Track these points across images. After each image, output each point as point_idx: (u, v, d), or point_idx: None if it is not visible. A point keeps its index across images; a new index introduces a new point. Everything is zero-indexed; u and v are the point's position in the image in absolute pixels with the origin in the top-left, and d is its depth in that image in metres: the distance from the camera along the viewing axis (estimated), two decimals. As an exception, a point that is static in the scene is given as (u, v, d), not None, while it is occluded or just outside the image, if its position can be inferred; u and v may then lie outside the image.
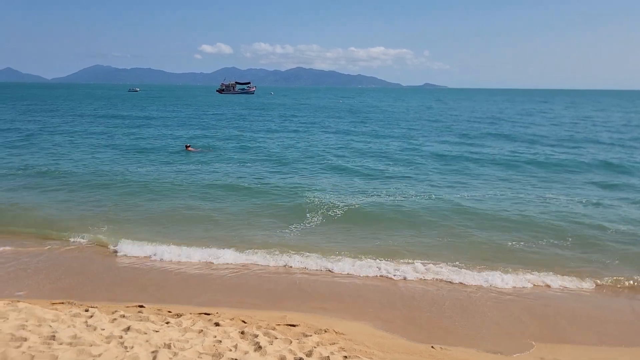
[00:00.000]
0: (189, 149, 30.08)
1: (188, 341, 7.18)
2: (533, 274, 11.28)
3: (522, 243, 13.46)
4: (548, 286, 10.86)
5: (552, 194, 19.27)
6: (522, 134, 42.28)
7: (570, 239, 13.72)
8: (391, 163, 26.69)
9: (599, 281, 11.08)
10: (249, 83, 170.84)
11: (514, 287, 10.75)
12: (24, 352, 6.51)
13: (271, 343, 7.33)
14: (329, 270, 11.56)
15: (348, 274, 11.41)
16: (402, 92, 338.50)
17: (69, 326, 7.63)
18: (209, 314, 8.77)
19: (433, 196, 18.57)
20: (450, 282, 10.98)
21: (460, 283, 10.90)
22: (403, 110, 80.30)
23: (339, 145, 33.88)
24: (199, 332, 7.64)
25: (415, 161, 27.53)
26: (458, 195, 18.77)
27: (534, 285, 10.89)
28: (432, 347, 8.05)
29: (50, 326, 7.59)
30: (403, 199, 18.17)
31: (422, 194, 18.88)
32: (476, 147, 33.67)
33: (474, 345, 8.26)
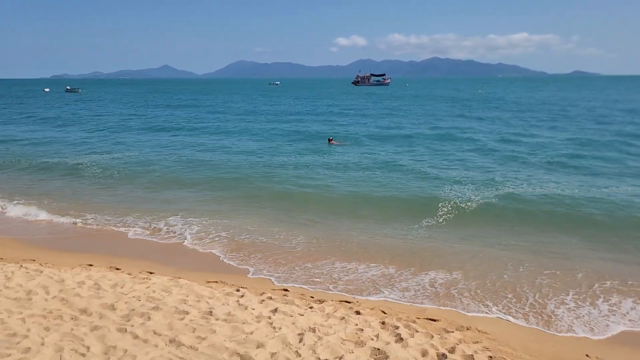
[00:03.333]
0: (332, 142, 30.72)
1: (331, 327, 7.41)
2: None
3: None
4: None
5: None
6: None
7: None
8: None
9: None
10: (383, 75, 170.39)
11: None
12: (186, 325, 7.19)
13: (412, 336, 7.29)
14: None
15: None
16: (548, 80, 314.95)
17: (223, 304, 8.26)
18: (349, 302, 8.96)
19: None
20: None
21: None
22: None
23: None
24: (341, 319, 7.84)
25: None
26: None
27: None
28: (587, 355, 7.48)
29: (207, 302, 8.27)
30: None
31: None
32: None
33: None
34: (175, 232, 13.74)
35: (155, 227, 14.15)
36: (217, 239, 13.21)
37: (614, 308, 9.17)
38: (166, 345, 6.52)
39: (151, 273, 10.21)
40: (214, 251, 12.34)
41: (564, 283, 10.22)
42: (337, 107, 66.37)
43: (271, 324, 7.39)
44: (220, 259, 11.89)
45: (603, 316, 8.86)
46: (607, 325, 8.54)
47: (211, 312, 7.78)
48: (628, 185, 18.15)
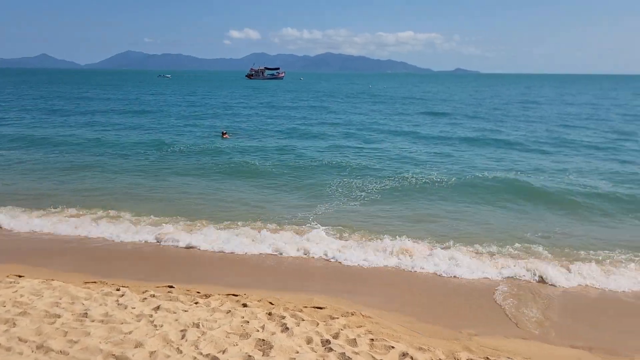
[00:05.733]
0: (225, 135, 30.35)
1: (216, 321, 7.26)
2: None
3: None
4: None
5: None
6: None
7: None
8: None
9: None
10: (278, 69, 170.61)
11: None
12: (57, 328, 6.70)
13: (298, 325, 7.35)
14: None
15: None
16: (434, 77, 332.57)
17: (100, 304, 7.80)
18: (236, 295, 8.84)
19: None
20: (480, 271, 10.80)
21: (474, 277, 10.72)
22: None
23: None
24: (227, 313, 7.72)
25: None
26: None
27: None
28: (460, 332, 7.97)
29: (83, 304, 7.77)
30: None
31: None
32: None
33: (503, 331, 8.14)
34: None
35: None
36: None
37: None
38: (32, 352, 6.02)
39: (20, 276, 9.39)
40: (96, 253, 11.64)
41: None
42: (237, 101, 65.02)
43: (152, 322, 7.09)
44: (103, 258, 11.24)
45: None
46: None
47: (86, 313, 7.31)
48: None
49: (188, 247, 11.80)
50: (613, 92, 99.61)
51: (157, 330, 6.77)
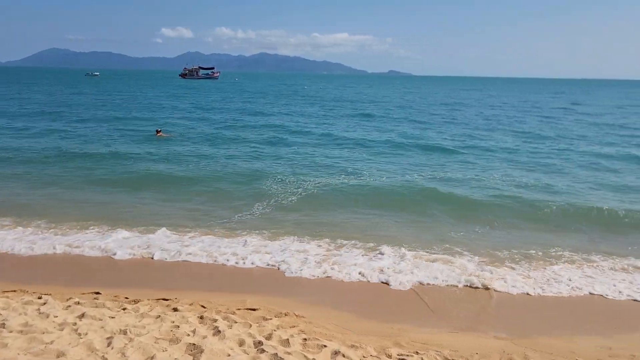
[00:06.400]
0: (160, 134, 29.41)
1: (145, 327, 7.05)
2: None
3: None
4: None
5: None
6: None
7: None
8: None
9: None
10: (212, 68, 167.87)
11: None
12: (-29, 342, 6.28)
13: (230, 327, 7.27)
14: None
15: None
16: (368, 78, 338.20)
17: (20, 314, 7.40)
18: (167, 300, 8.64)
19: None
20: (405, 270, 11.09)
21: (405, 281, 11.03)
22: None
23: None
24: (157, 318, 7.52)
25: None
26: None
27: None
28: (391, 328, 8.16)
29: (1, 314, 7.34)
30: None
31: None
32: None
33: (432, 326, 8.42)
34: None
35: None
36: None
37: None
38: (-58, 367, 5.63)
39: None
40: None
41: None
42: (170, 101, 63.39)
43: (76, 330, 6.79)
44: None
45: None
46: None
47: (4, 324, 6.90)
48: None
49: (107, 254, 11.38)
50: (534, 96, 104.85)
51: (81, 338, 6.50)
